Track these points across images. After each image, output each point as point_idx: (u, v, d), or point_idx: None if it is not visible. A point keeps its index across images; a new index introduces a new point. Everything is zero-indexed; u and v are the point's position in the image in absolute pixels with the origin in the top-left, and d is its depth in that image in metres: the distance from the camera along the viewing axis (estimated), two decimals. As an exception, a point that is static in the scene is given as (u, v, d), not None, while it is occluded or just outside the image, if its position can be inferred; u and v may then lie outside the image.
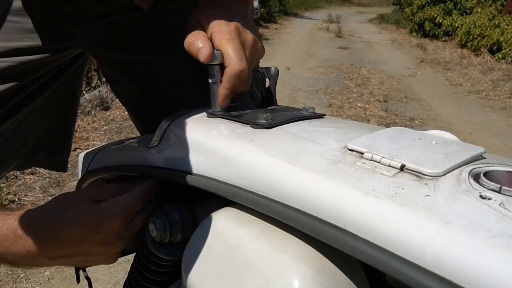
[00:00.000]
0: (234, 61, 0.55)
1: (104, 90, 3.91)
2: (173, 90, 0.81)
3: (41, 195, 2.35)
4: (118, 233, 0.56)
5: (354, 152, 0.44)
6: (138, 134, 0.94)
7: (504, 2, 9.01)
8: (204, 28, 0.58)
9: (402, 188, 0.37)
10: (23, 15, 0.70)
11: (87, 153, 0.72)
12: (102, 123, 3.50)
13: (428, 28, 10.89)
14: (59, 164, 0.93)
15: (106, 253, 0.57)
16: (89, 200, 0.55)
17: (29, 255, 0.52)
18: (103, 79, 3.93)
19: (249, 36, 0.59)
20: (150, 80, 0.83)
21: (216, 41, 0.57)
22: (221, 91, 0.57)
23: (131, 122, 3.47)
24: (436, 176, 0.38)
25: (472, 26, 8.43)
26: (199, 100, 0.63)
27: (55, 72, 0.79)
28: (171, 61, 0.80)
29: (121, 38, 0.79)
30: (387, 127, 0.51)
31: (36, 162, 0.90)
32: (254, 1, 6.16)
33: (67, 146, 0.94)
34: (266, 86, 0.65)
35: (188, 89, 0.79)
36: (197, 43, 0.56)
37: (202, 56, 0.55)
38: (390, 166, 0.40)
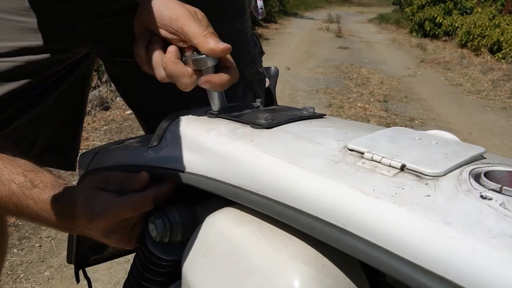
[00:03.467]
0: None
1: (104, 90, 3.91)
2: (175, 90, 0.81)
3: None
4: (106, 231, 0.56)
5: (354, 152, 0.44)
6: (138, 134, 0.95)
7: (504, 2, 9.02)
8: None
9: (403, 188, 0.37)
10: (29, 15, 0.71)
11: (86, 153, 0.72)
12: (102, 123, 3.50)
13: (428, 28, 10.89)
14: (68, 163, 0.93)
15: (109, 241, 0.59)
16: (92, 189, 0.56)
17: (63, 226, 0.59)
18: (103, 79, 3.93)
19: None
20: (154, 79, 0.83)
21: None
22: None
23: (131, 122, 3.48)
24: (436, 176, 0.38)
25: (472, 26, 8.43)
26: (203, 99, 0.63)
27: (63, 73, 0.80)
28: None
29: (124, 37, 0.79)
30: (387, 127, 0.51)
31: (46, 162, 0.90)
32: (259, 1, 6.14)
33: (75, 145, 0.94)
34: (266, 86, 0.65)
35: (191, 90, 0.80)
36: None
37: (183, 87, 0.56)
38: (390, 166, 0.40)
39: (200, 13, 0.57)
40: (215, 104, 0.59)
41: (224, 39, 0.55)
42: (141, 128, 1.00)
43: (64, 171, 0.94)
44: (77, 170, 0.79)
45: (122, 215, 0.55)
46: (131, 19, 0.77)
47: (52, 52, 0.74)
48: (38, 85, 0.76)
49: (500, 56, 7.26)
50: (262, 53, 0.94)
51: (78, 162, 0.73)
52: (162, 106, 0.80)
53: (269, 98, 0.64)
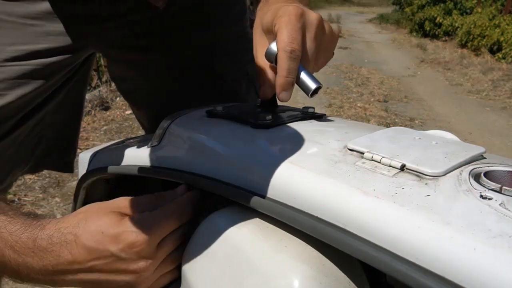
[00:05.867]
0: (284, 40, 0.48)
1: (104, 90, 3.90)
2: (182, 88, 0.81)
3: (41, 195, 2.35)
4: (139, 252, 0.48)
5: (354, 152, 0.44)
6: (138, 134, 0.95)
7: (504, 2, 9.02)
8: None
9: (403, 188, 0.37)
10: (41, 18, 0.71)
11: (87, 153, 0.72)
12: (102, 123, 3.49)
13: (428, 28, 10.89)
14: (67, 165, 0.93)
15: (129, 272, 0.48)
16: (114, 214, 0.49)
17: (43, 268, 0.47)
18: (103, 79, 3.93)
19: (312, 15, 0.53)
20: (159, 79, 0.83)
21: (276, 29, 0.51)
22: (278, 80, 0.51)
23: (131, 122, 3.47)
24: (436, 176, 0.38)
25: (472, 26, 8.43)
26: (208, 99, 0.63)
27: (69, 76, 0.80)
28: (182, 60, 0.80)
29: (133, 37, 0.79)
30: (387, 127, 0.51)
31: (47, 165, 0.90)
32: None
33: (74, 147, 0.94)
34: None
35: (198, 87, 0.80)
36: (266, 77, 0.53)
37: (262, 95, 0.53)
38: (390, 166, 0.40)
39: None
40: (310, 84, 0.56)
41: (230, 37, 0.55)
42: (141, 128, 1.00)
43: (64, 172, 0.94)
44: (76, 170, 0.79)
45: (170, 225, 0.49)
46: (142, 20, 0.77)
47: (65, 54, 0.74)
48: (48, 87, 0.76)
49: (500, 56, 7.25)
50: None
51: (78, 162, 0.73)
52: (167, 104, 0.80)
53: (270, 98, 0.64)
